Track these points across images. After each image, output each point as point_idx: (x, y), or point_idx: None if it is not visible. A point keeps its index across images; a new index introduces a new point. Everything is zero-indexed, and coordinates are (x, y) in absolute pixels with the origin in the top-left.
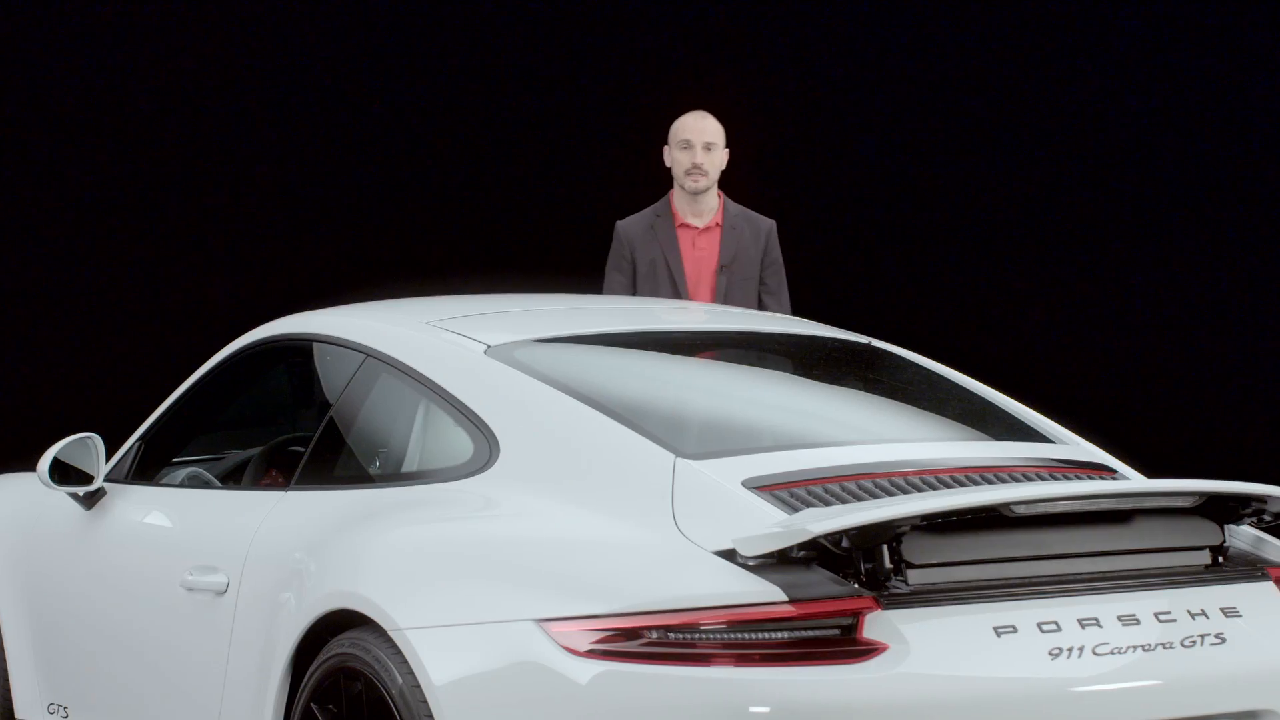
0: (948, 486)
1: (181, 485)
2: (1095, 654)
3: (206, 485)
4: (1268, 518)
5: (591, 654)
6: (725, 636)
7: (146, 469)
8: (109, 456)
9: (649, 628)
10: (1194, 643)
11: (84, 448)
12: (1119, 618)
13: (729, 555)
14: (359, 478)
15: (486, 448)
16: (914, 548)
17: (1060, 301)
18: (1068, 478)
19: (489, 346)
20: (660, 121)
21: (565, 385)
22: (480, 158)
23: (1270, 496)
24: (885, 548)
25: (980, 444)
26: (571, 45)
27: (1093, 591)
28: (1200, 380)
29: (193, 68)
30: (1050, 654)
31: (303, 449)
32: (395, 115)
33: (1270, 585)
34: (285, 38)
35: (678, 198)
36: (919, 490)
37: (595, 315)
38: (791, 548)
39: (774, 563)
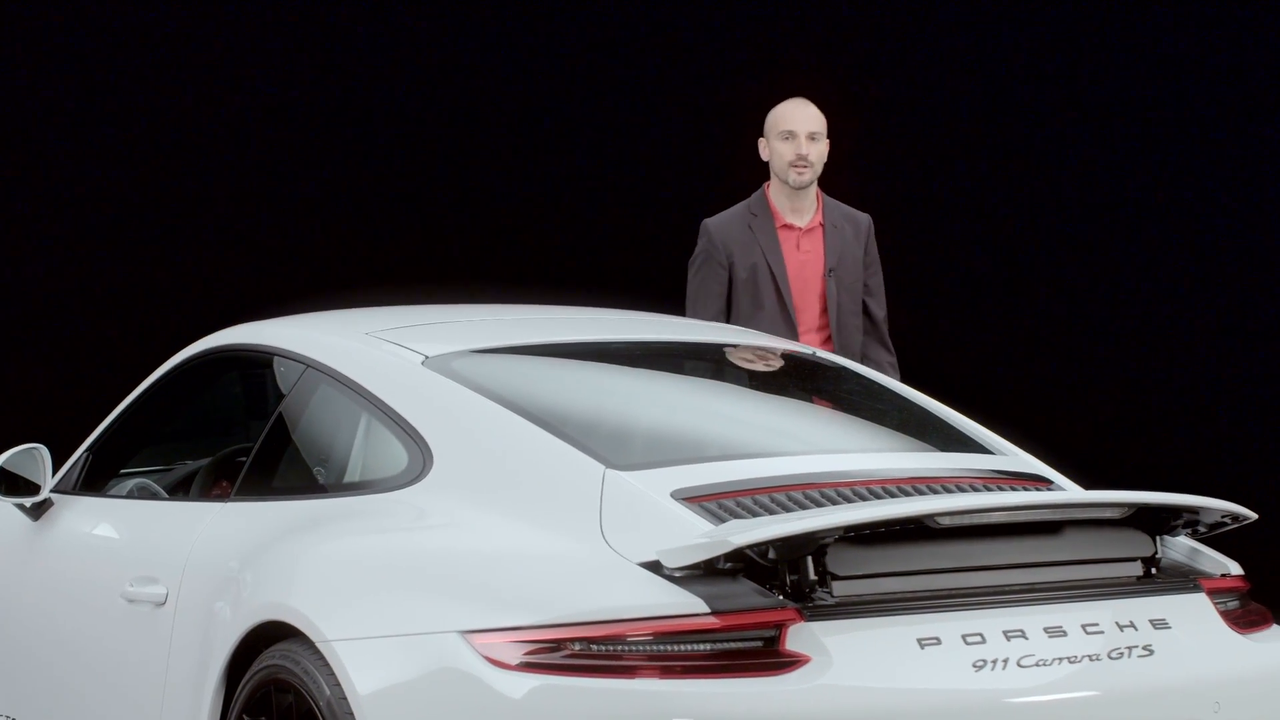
0: (879, 498)
1: (128, 496)
2: (1020, 666)
3: (154, 496)
4: (1202, 529)
5: (515, 666)
6: (649, 648)
7: (94, 480)
8: (56, 468)
9: (572, 639)
10: (1121, 654)
11: (30, 458)
12: (1045, 629)
13: (655, 567)
14: (296, 489)
15: (420, 458)
16: (839, 559)
17: (1005, 311)
18: (1001, 489)
19: (426, 357)
20: (672, 122)
21: (500, 396)
22: (477, 159)
23: (1201, 507)
24: (809, 559)
25: (917, 455)
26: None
27: (1019, 603)
28: (1139, 391)
29: (160, 73)
30: (974, 666)
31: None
32: (383, 115)
33: (1202, 597)
34: (273, 34)
35: (776, 194)
36: (850, 501)
37: (536, 326)
38: (718, 559)
39: (701, 574)
